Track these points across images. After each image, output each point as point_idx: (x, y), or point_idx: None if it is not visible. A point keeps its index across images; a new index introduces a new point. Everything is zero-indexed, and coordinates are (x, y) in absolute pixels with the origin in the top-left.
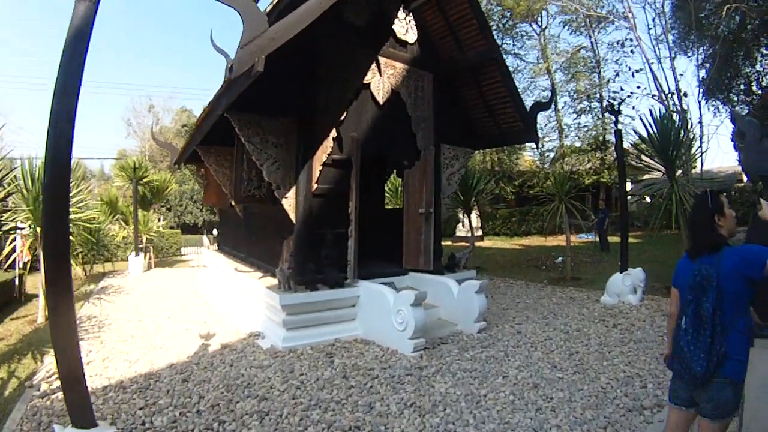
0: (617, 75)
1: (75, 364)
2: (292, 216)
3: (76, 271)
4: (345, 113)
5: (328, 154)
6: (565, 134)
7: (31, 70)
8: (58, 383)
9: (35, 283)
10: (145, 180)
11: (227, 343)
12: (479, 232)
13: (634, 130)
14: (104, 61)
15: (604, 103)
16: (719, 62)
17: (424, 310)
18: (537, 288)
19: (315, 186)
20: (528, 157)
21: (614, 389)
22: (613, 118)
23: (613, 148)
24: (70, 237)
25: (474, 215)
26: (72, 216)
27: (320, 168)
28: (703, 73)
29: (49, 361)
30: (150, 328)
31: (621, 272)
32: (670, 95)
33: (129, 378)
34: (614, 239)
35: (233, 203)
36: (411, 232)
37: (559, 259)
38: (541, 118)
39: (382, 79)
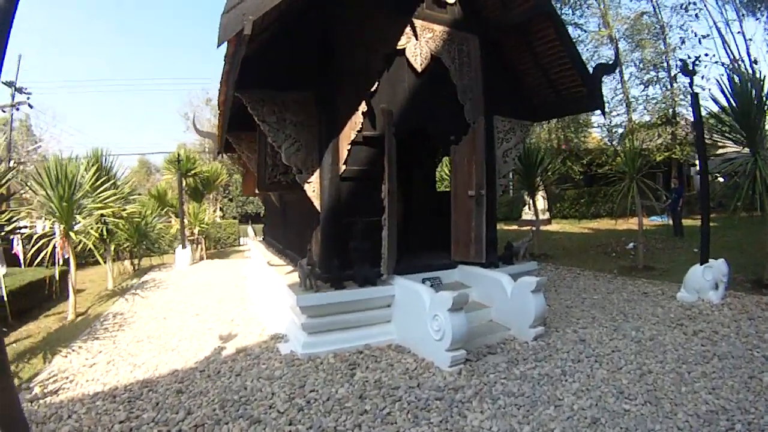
0: (683, 42)
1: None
2: (317, 203)
3: (125, 265)
4: (376, 83)
5: (358, 131)
6: (633, 108)
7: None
8: (53, 386)
9: (82, 278)
10: (193, 172)
11: (245, 347)
12: (546, 215)
13: (712, 98)
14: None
15: (673, 72)
16: None
17: (467, 315)
18: (606, 280)
19: (343, 168)
20: (596, 134)
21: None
22: (687, 80)
23: (684, 121)
24: (117, 230)
25: (540, 197)
26: (107, 211)
27: (348, 147)
28: None
29: (57, 362)
30: (172, 327)
31: (701, 264)
32: (740, 62)
33: (124, 385)
34: (688, 222)
35: (257, 191)
36: (460, 218)
37: (631, 245)
38: (607, 90)
39: (419, 43)
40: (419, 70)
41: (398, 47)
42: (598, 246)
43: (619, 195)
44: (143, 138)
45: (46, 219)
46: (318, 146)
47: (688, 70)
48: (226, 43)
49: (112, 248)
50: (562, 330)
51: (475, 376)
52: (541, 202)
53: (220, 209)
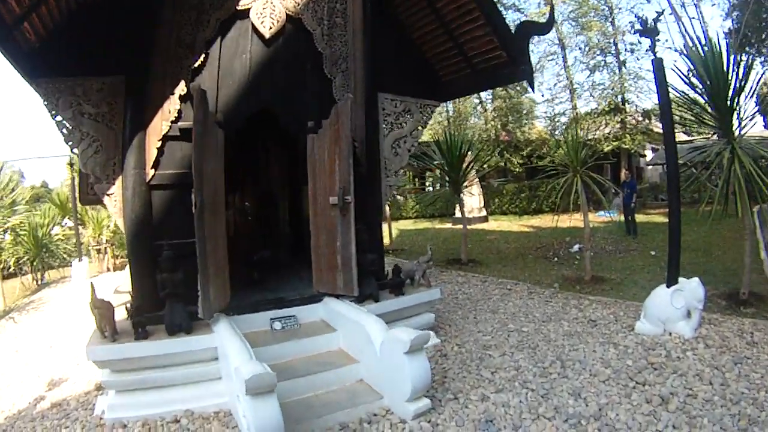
0: (633, 25)
1: None
2: (119, 221)
3: (28, 280)
4: (202, 57)
5: (173, 122)
6: (578, 94)
7: None
8: None
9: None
10: None
11: (64, 399)
12: (482, 212)
13: (679, 73)
14: None
15: (627, 36)
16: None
17: (318, 376)
18: (544, 298)
19: (152, 173)
20: (538, 124)
21: None
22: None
23: (634, 108)
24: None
25: (477, 192)
26: None
27: (158, 144)
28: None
29: None
30: (11, 365)
31: (668, 284)
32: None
33: None
34: (641, 218)
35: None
36: (321, 235)
37: (576, 247)
38: (550, 75)
39: (271, 1)
40: (267, 36)
41: (240, 8)
42: (538, 249)
43: (560, 190)
44: None
45: None
46: (122, 146)
47: (648, 29)
48: None
49: (12, 262)
50: (465, 396)
51: None
52: (476, 198)
53: None
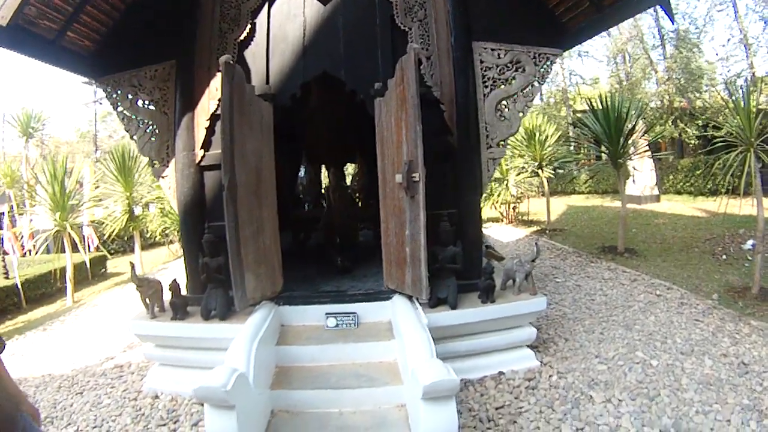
0: None
1: None
2: (174, 203)
3: (161, 251)
4: (248, 28)
5: (220, 99)
6: (753, 51)
7: None
8: None
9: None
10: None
11: (128, 362)
12: (655, 191)
13: None
14: None
15: None
16: None
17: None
18: (696, 313)
19: (201, 153)
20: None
21: None
22: None
23: None
24: None
25: (650, 168)
26: None
27: (206, 123)
28: None
29: None
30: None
31: None
32: None
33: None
34: None
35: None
36: (390, 219)
37: (749, 243)
38: (720, 28)
39: None
40: None
41: None
42: (707, 241)
43: (728, 168)
44: None
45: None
46: (174, 129)
47: None
48: None
49: (158, 233)
50: None
51: None
52: (647, 174)
53: None
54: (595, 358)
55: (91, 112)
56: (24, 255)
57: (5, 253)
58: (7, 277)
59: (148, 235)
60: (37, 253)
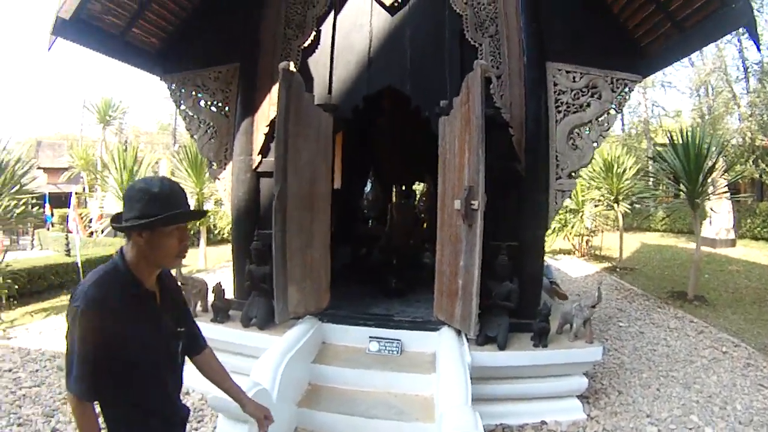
0: None
1: None
2: (228, 207)
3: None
4: (313, 35)
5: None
6: None
7: None
8: None
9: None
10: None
11: None
12: (731, 234)
13: None
14: None
15: None
16: None
17: None
18: (762, 376)
19: (258, 159)
20: None
21: None
22: None
23: None
24: None
25: (727, 210)
26: None
27: (266, 129)
28: None
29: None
30: None
31: None
32: None
33: None
34: None
35: None
36: (445, 248)
37: None
38: None
39: None
40: (389, 1)
41: None
42: None
43: None
44: None
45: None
46: (233, 132)
47: None
48: None
49: (227, 230)
50: None
51: None
52: (724, 216)
53: None
54: (647, 417)
55: (172, 106)
56: (90, 235)
57: (69, 231)
58: (68, 255)
59: (216, 231)
60: (102, 233)
